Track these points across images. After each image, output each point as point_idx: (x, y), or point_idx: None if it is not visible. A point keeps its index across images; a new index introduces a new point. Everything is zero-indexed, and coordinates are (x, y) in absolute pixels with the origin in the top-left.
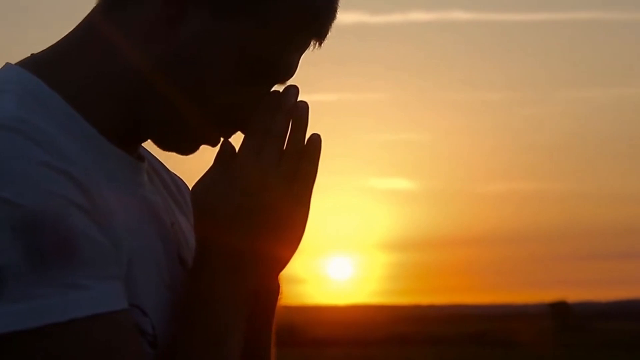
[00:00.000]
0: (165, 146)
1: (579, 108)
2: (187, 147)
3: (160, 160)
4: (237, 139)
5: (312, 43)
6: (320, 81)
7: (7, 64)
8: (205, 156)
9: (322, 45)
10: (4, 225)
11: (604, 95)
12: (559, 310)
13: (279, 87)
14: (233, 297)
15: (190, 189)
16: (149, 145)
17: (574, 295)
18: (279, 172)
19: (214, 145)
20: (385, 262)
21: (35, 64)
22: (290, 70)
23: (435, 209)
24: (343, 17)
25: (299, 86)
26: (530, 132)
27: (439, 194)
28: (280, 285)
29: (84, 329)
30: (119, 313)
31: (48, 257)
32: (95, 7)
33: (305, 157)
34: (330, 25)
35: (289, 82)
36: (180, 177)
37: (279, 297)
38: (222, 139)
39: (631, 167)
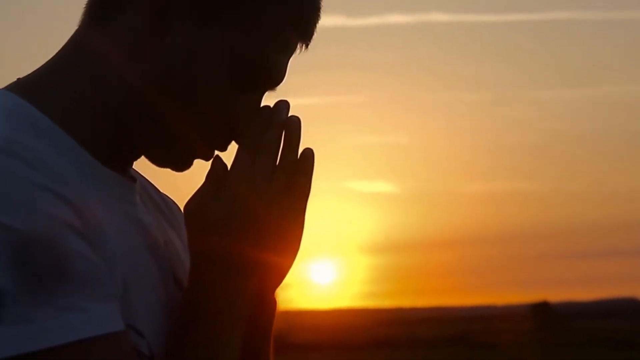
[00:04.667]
0: (159, 162)
1: (557, 108)
2: (181, 162)
3: (150, 181)
4: (227, 156)
5: (298, 46)
6: (298, 85)
7: None
8: (194, 176)
9: (309, 47)
10: None
11: (582, 94)
12: (541, 311)
13: (269, 95)
14: (229, 309)
15: (183, 207)
16: (138, 165)
17: (555, 295)
18: (271, 186)
19: (207, 158)
20: (367, 265)
21: (23, 87)
22: (279, 75)
23: (415, 210)
24: (321, 20)
25: (281, 94)
26: (510, 132)
27: (420, 196)
28: (277, 299)
29: (81, 352)
30: (117, 335)
31: (43, 280)
32: (78, 27)
33: (298, 171)
34: (315, 25)
35: (278, 90)
36: (170, 197)
37: (275, 310)
38: (213, 156)
39: (610, 166)
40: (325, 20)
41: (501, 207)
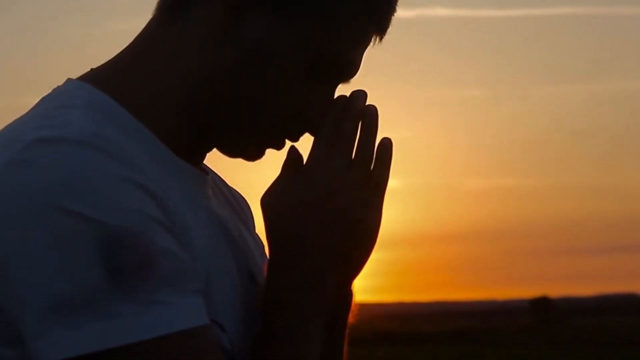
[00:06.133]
0: (231, 153)
1: (556, 104)
2: (253, 153)
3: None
4: (300, 145)
5: (373, 38)
6: None
7: (69, 79)
8: (262, 170)
9: (383, 40)
10: (85, 242)
11: (581, 91)
12: (541, 306)
13: (344, 87)
14: (311, 304)
15: (260, 198)
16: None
17: (555, 290)
18: (349, 177)
19: (279, 148)
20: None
21: (98, 78)
22: (355, 68)
23: (416, 205)
24: None
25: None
26: (509, 128)
27: (420, 191)
28: (354, 293)
29: (168, 346)
30: (203, 328)
31: (130, 274)
32: (152, 18)
33: (376, 162)
34: (391, 18)
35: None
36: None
37: (352, 302)
38: (288, 146)
39: (611, 162)
40: None
41: (501, 202)
